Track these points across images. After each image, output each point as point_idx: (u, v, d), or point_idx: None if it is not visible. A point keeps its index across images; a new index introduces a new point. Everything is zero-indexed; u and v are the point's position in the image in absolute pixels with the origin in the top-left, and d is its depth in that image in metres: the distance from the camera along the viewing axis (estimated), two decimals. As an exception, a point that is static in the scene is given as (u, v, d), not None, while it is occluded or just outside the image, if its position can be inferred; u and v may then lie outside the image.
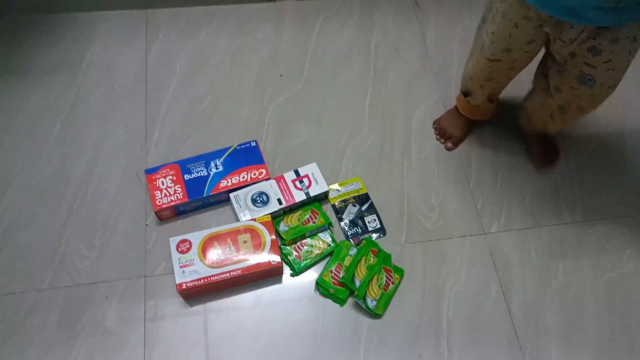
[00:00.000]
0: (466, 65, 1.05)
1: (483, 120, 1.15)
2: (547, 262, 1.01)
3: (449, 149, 1.13)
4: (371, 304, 0.91)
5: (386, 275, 0.95)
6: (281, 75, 1.22)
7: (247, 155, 1.03)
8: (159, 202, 0.96)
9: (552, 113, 0.99)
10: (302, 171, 1.02)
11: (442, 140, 1.15)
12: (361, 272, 0.94)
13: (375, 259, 0.95)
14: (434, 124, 1.17)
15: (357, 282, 0.93)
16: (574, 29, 0.79)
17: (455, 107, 1.15)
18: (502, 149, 1.15)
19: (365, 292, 0.91)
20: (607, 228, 1.06)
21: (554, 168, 1.13)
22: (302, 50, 1.26)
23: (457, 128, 1.14)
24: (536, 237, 1.04)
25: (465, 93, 1.08)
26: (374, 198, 1.05)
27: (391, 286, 0.94)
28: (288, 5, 1.33)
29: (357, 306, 0.93)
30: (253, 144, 1.05)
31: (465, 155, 1.13)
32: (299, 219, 0.98)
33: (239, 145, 1.04)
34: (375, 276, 0.93)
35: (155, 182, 0.98)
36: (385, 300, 0.93)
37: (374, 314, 0.92)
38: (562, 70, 0.89)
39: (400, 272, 0.97)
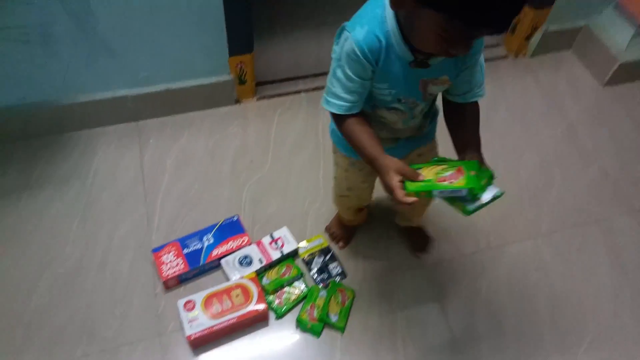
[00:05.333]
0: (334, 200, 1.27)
1: (362, 223, 1.36)
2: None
3: (341, 248, 1.32)
4: (333, 318, 1.17)
5: (341, 294, 1.22)
6: (251, 161, 1.52)
7: (231, 228, 1.31)
8: (165, 273, 1.21)
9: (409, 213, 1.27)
10: (276, 234, 1.31)
11: (335, 242, 1.34)
12: (333, 308, 1.20)
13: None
14: (325, 229, 1.35)
15: (332, 317, 1.18)
16: None
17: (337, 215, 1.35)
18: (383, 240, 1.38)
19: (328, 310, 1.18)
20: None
21: (428, 252, 1.35)
22: (265, 140, 1.58)
23: (342, 231, 1.33)
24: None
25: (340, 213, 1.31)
26: (334, 248, 1.33)
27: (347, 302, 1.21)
28: (249, 105, 1.67)
29: (330, 335, 1.19)
30: (235, 218, 1.33)
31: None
32: (277, 273, 1.24)
33: (224, 220, 1.32)
34: (333, 295, 1.20)
35: (160, 258, 1.24)
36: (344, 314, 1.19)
37: (338, 328, 1.18)
38: None
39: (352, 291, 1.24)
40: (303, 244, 1.32)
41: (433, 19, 0.67)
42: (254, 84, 1.66)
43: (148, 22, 1.35)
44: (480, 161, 0.83)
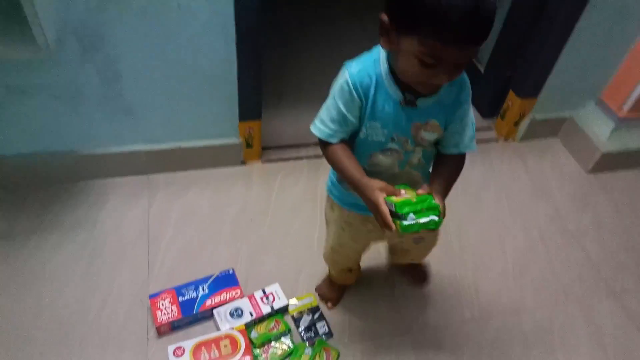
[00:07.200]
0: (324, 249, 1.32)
1: (351, 284, 1.41)
2: None
3: (329, 308, 1.38)
4: None
5: (326, 353, 1.25)
6: (251, 220, 1.61)
7: (226, 280, 1.37)
8: (160, 319, 1.26)
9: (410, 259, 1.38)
10: (268, 290, 1.36)
11: (324, 302, 1.39)
12: None
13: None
14: (316, 289, 1.41)
15: None
16: None
17: (328, 276, 1.41)
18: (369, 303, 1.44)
19: None
20: None
21: (429, 281, 1.48)
22: (266, 201, 1.67)
23: (332, 292, 1.39)
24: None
25: (331, 273, 1.37)
26: (323, 307, 1.38)
27: None
28: (255, 167, 1.79)
29: (313, 393, 1.21)
30: (230, 271, 1.40)
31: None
32: (266, 327, 1.29)
33: (220, 272, 1.39)
34: (318, 354, 1.23)
35: (156, 304, 1.29)
36: None
37: None
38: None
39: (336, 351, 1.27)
40: (293, 301, 1.38)
41: (411, 45, 0.75)
42: (260, 148, 1.79)
43: (168, 89, 1.50)
44: (440, 204, 0.87)
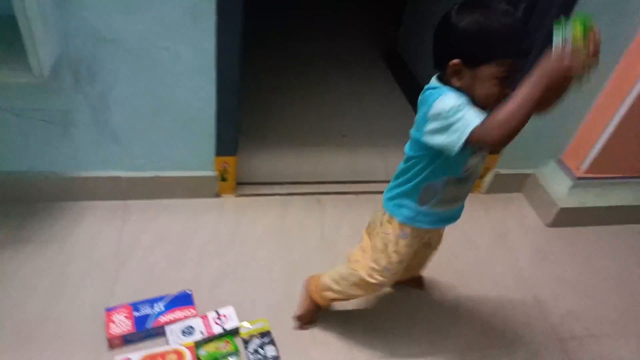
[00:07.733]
0: (349, 291, 1.35)
1: None
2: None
3: (307, 329, 1.46)
4: None
5: None
6: (217, 248, 1.69)
7: (182, 300, 1.44)
8: (112, 331, 1.32)
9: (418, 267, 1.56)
10: (222, 312, 1.43)
11: (305, 328, 1.46)
12: None
13: None
14: (298, 318, 1.46)
15: None
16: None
17: (311, 301, 1.45)
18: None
19: None
20: None
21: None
22: (234, 232, 1.76)
23: (314, 315, 1.48)
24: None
25: (335, 299, 1.42)
26: (275, 333, 1.44)
27: None
28: (228, 200, 1.90)
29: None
30: (189, 291, 1.47)
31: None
32: (215, 346, 1.35)
33: (178, 292, 1.46)
34: None
35: (111, 317, 1.36)
36: None
37: None
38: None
39: None
40: (246, 324, 1.44)
41: (490, 69, 0.98)
42: (235, 183, 1.90)
43: (151, 121, 1.64)
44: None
